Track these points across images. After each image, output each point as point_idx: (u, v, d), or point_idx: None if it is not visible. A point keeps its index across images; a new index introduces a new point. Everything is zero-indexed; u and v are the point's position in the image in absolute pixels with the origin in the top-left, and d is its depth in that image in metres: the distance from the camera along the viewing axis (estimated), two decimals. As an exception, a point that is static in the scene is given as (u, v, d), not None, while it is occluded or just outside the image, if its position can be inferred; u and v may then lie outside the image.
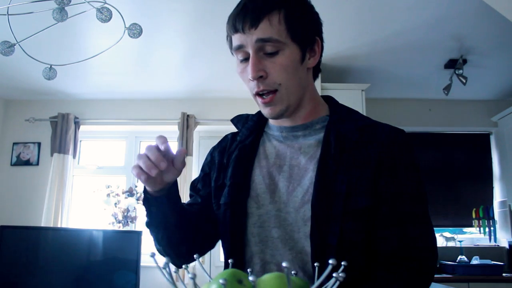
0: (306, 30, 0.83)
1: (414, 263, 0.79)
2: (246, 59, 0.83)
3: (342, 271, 0.50)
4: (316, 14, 0.88)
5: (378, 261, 0.80)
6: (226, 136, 1.02)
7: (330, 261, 0.51)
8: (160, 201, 0.83)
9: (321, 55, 0.89)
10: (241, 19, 0.79)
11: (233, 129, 1.03)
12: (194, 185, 1.02)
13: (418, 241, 0.80)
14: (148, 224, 0.88)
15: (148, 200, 0.84)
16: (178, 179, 4.04)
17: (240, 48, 0.82)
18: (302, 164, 0.85)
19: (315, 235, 0.78)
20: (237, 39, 0.82)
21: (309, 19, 0.85)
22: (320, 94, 0.97)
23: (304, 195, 0.82)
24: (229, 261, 0.72)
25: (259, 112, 0.97)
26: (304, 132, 0.89)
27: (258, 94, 0.83)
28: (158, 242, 0.89)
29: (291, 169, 0.86)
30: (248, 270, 0.71)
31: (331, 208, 0.78)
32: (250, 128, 0.96)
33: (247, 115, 1.01)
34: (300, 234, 0.81)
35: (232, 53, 0.87)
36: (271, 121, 0.95)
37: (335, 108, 0.92)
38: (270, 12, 0.79)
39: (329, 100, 0.96)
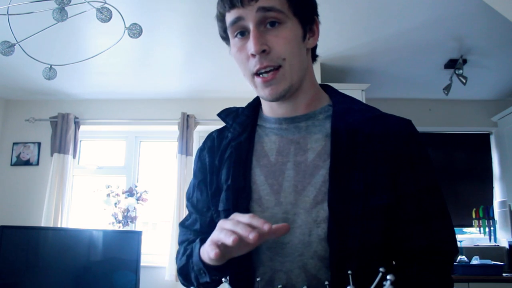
0: (306, 7, 0.80)
1: (441, 256, 0.78)
2: (243, 35, 0.77)
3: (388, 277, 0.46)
4: None
5: (406, 257, 0.78)
6: (210, 135, 0.94)
7: (389, 277, 0.46)
8: (221, 271, 0.73)
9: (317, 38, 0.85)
10: None
11: None
12: (191, 200, 0.92)
13: (442, 235, 0.78)
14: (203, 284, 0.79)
15: (209, 271, 0.74)
16: (178, 182, 3.95)
17: (238, 21, 0.75)
18: (310, 160, 0.78)
19: (333, 237, 0.73)
20: (233, 13, 0.75)
21: None
22: None
23: (317, 194, 0.75)
24: (257, 279, 0.70)
25: (251, 105, 0.91)
26: (307, 123, 0.82)
27: (257, 74, 0.76)
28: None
29: (297, 166, 0.79)
30: (257, 279, 0.70)
31: (349, 208, 0.73)
32: (242, 123, 0.87)
33: (237, 109, 0.92)
34: (311, 237, 0.74)
35: (223, 37, 0.83)
36: (267, 113, 0.87)
37: (338, 97, 0.86)
38: None
39: (327, 88, 0.90)
